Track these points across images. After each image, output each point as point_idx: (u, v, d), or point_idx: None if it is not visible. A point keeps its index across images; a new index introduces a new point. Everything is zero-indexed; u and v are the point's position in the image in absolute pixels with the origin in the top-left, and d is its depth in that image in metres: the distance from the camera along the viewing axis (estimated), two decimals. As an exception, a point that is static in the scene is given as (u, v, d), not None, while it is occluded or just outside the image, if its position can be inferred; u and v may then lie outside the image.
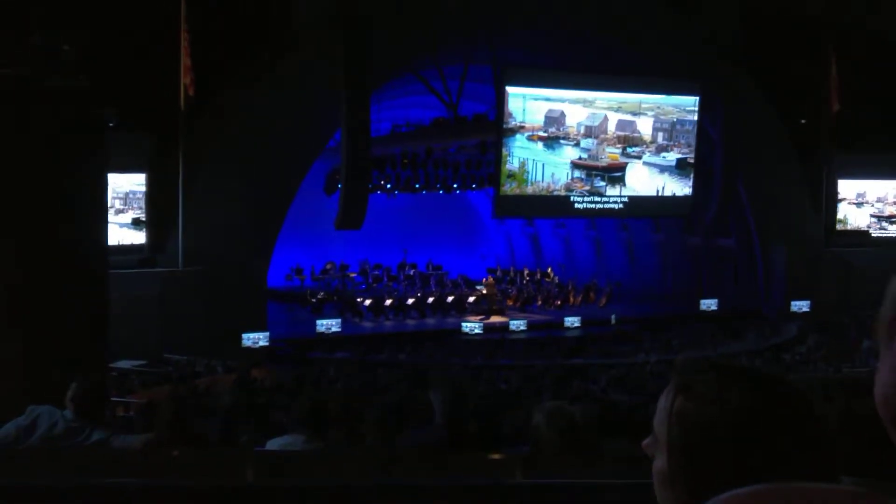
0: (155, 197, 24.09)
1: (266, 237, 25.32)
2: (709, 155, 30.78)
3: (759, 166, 31.22)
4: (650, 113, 29.82)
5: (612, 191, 29.87)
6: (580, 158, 29.28)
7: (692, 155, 30.42)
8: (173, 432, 5.54)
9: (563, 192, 29.31)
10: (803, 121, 32.29)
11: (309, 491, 4.01)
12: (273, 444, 5.98)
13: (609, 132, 29.36)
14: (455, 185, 31.57)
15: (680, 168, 30.39)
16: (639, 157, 29.93)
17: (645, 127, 29.84)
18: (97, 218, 11.49)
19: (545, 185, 28.99)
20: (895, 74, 29.42)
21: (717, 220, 31.77)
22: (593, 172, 29.46)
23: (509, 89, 27.59)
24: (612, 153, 29.66)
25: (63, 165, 10.52)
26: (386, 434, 6.05)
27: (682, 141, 30.26)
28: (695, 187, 30.57)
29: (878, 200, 33.79)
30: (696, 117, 30.22)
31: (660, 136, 30.07)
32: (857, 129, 30.63)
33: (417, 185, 31.15)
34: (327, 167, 29.77)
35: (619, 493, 3.91)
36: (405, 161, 30.00)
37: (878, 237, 33.37)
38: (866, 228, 33.60)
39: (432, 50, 27.11)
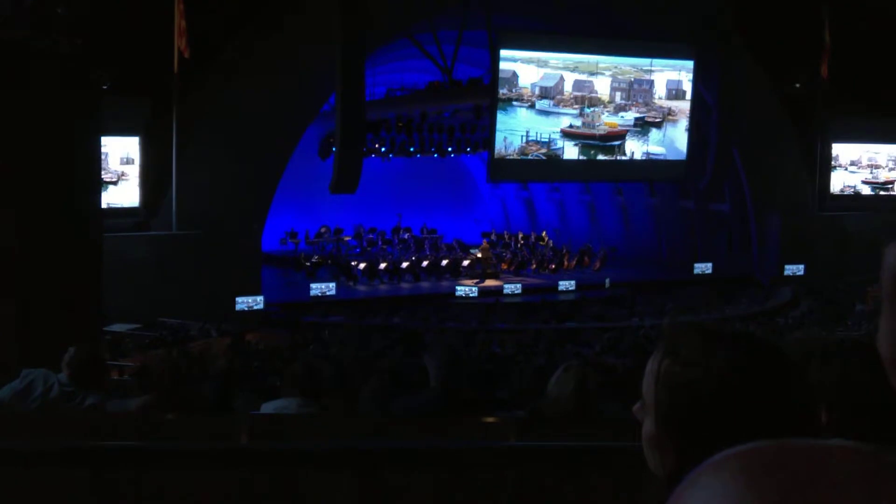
0: (149, 160, 24.03)
1: (260, 201, 25.26)
2: (705, 120, 30.68)
3: (754, 131, 31.11)
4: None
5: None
6: (571, 127, 28.94)
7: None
8: (168, 396, 5.55)
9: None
10: (797, 85, 32.19)
11: (303, 454, 4.03)
12: (267, 408, 6.00)
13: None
14: (450, 149, 31.44)
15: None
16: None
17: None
18: (91, 181, 11.47)
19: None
20: (889, 38, 29.28)
21: (712, 185, 31.70)
22: (589, 142, 29.16)
23: (504, 52, 27.38)
24: (609, 121, 29.36)
25: (57, 128, 10.48)
26: (381, 398, 6.07)
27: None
28: (689, 152, 30.46)
29: (852, 164, 33.76)
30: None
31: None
32: (850, 94, 30.52)
33: (412, 149, 31.04)
34: (322, 131, 29.66)
35: (613, 457, 3.94)
36: (400, 125, 29.90)
37: (870, 195, 33.51)
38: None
39: (428, 14, 26.93)
